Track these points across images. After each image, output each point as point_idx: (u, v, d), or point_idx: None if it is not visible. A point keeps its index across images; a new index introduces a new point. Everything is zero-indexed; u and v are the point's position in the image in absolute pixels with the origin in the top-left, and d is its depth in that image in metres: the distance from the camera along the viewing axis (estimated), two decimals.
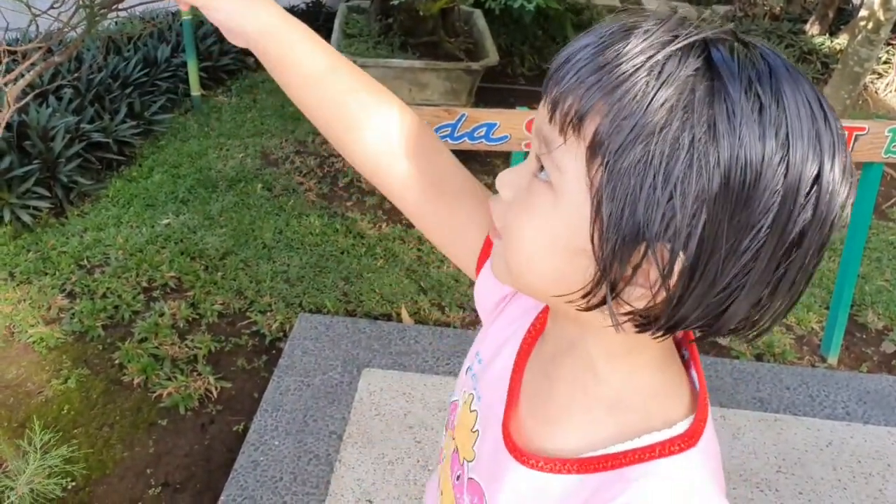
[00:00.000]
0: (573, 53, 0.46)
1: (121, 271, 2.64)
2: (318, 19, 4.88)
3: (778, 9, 5.72)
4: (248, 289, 2.61)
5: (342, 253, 2.86)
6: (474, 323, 2.51)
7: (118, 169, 3.32)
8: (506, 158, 3.34)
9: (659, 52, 0.42)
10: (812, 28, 5.38)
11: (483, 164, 3.52)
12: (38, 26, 2.02)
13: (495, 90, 4.26)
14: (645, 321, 0.46)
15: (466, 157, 3.20)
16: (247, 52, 4.63)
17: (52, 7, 2.02)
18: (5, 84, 1.79)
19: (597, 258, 0.44)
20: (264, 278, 2.66)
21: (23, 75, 1.88)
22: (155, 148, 3.51)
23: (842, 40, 5.12)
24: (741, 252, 0.42)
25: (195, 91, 3.89)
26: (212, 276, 2.65)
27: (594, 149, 0.43)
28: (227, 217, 3.01)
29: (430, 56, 3.02)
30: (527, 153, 2.08)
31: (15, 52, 1.86)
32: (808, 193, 0.41)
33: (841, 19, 5.45)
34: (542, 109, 0.47)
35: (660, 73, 0.41)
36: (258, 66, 4.50)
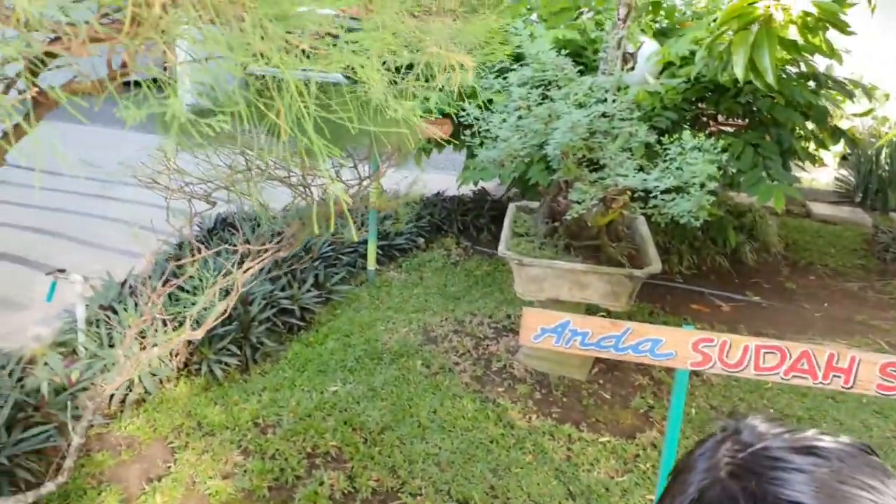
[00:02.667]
0: None
1: (290, 434, 2.87)
2: (483, 206, 5.33)
3: None
4: (402, 468, 2.71)
5: (492, 442, 2.91)
6: None
7: (298, 333, 3.69)
8: (669, 370, 3.33)
9: None
10: None
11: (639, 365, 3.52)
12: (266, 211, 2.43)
13: (653, 286, 4.33)
14: None
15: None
16: (419, 234, 5.09)
17: (284, 210, 2.44)
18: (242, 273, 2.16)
19: None
20: (417, 459, 2.76)
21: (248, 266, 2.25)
22: (331, 316, 3.89)
23: None
24: None
25: (371, 265, 4.31)
26: (370, 450, 2.80)
27: None
28: (388, 391, 3.20)
29: (592, 258, 3.19)
30: (691, 372, 2.07)
31: (249, 251, 2.24)
32: None
33: None
34: None
35: None
36: (427, 247, 4.93)
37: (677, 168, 2.77)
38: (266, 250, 2.19)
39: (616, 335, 2.36)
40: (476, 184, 4.52)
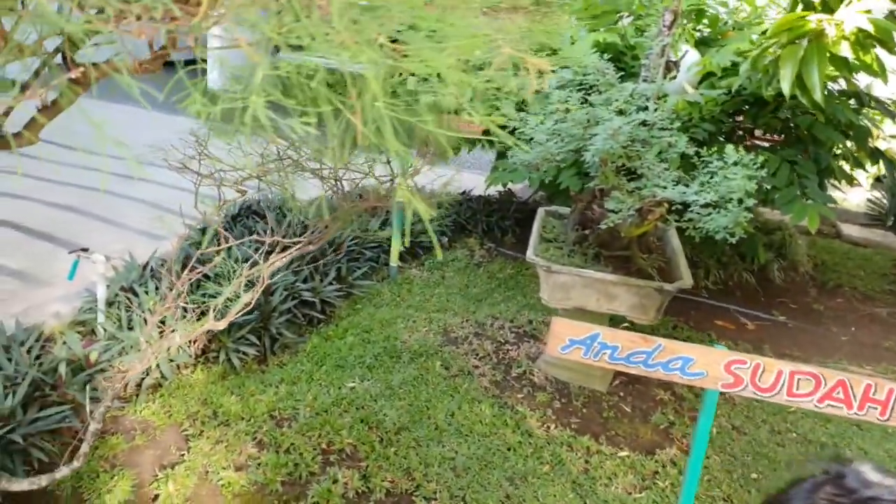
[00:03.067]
0: None
1: (305, 429, 2.83)
2: (508, 208, 5.26)
3: None
4: (417, 470, 2.66)
5: (509, 449, 2.86)
6: None
7: (318, 326, 3.66)
8: (692, 386, 3.25)
9: None
10: None
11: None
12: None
13: (677, 299, 4.23)
14: None
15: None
16: (443, 233, 5.03)
17: (313, 201, 2.40)
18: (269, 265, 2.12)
19: None
20: (433, 462, 2.71)
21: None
22: (352, 310, 3.85)
23: None
24: None
25: (394, 262, 4.27)
26: (385, 450, 2.76)
27: None
28: (406, 390, 3.15)
29: (622, 269, 3.12)
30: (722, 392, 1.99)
31: (277, 243, 2.21)
32: None
33: None
34: None
35: None
36: (451, 246, 4.88)
37: (717, 183, 2.69)
38: (295, 244, 2.16)
39: (647, 351, 2.30)
40: (505, 185, 4.46)
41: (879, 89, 4.99)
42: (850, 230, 5.93)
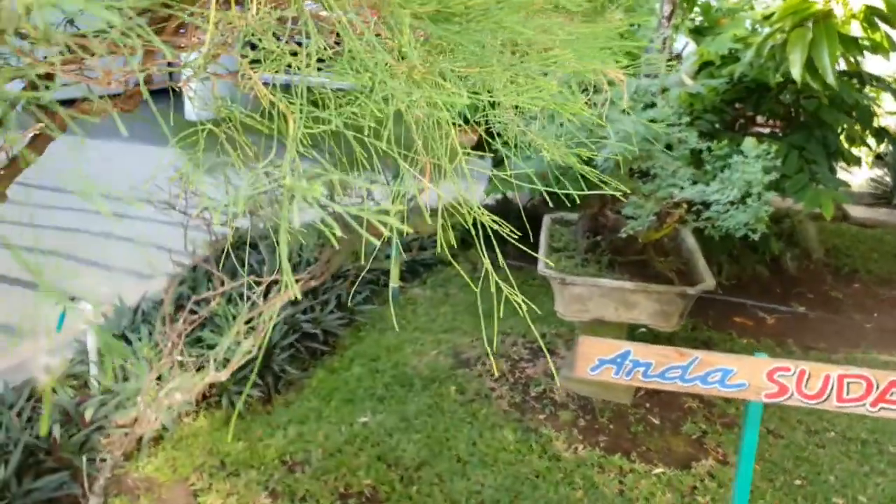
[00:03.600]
0: None
1: (320, 472, 2.65)
2: (507, 216, 5.10)
3: None
4: None
5: (537, 476, 2.69)
6: None
7: (321, 358, 3.48)
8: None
9: None
10: None
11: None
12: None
13: None
14: None
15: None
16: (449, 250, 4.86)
17: (320, 247, 2.23)
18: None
19: None
20: (459, 498, 2.54)
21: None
22: (356, 338, 3.67)
23: None
24: None
25: (394, 282, 4.10)
26: (407, 490, 2.58)
27: None
28: (422, 421, 2.98)
29: (639, 275, 2.96)
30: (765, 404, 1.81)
31: (276, 281, 2.03)
32: None
33: None
34: None
35: None
36: (453, 258, 4.72)
37: (737, 178, 2.55)
38: (296, 281, 1.98)
39: (682, 365, 2.14)
40: (504, 194, 4.31)
41: (870, 66, 4.89)
42: (855, 211, 5.81)
